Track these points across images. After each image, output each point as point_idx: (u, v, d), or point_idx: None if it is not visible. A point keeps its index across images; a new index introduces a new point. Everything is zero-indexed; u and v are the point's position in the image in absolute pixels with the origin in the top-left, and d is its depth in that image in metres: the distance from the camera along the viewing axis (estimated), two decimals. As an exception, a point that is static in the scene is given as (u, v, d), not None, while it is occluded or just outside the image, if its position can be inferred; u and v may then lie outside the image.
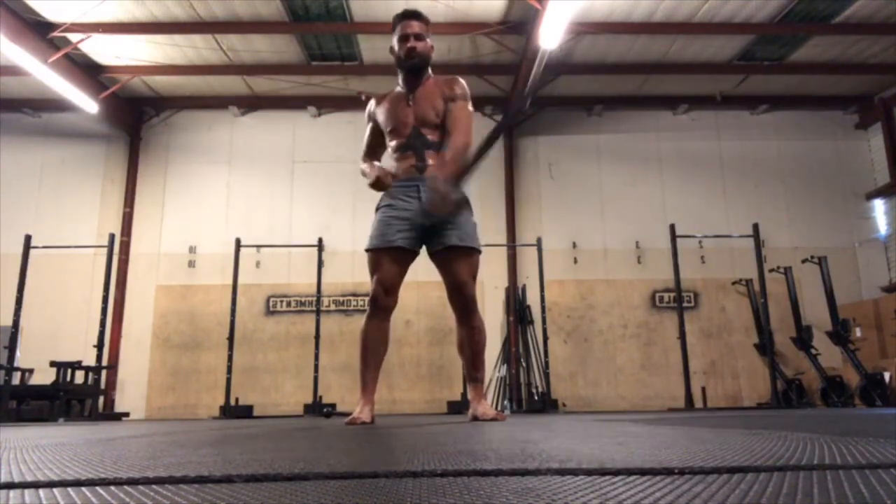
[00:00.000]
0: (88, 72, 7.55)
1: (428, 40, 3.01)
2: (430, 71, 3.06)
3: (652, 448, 1.09)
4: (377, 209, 2.98)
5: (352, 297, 8.13)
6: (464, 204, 2.95)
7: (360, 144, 3.19)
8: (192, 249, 8.28)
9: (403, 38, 2.96)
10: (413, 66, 2.97)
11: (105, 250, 7.02)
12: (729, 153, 8.73)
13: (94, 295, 7.39)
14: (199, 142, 8.68)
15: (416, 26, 2.97)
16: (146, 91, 8.43)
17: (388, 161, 3.05)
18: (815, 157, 8.71)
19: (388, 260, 2.88)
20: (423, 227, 2.87)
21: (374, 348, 2.91)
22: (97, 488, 0.70)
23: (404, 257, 2.91)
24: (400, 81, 3.06)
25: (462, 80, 3.05)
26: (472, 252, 2.93)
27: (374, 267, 2.91)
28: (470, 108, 3.00)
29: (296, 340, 8.01)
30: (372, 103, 3.11)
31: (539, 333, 7.44)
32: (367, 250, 2.94)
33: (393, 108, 2.99)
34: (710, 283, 8.23)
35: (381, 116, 3.04)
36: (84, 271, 8.02)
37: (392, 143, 3.01)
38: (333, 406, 6.78)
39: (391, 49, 3.04)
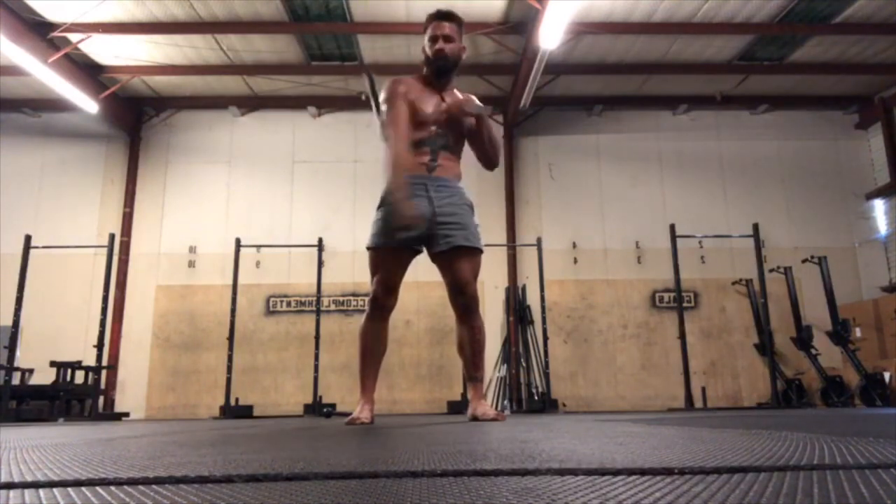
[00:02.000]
0: (88, 72, 7.55)
1: (459, 42, 2.98)
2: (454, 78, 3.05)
3: (652, 448, 1.09)
4: (379, 206, 2.94)
5: (352, 297, 8.13)
6: (466, 199, 2.96)
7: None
8: (192, 249, 8.28)
9: (433, 39, 2.94)
10: (440, 67, 2.94)
11: (105, 250, 7.02)
12: (729, 153, 8.72)
13: (94, 295, 7.39)
14: (199, 142, 8.68)
15: (447, 27, 2.94)
16: (146, 91, 8.43)
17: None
18: (815, 157, 8.71)
19: (390, 259, 2.87)
20: (428, 225, 2.86)
21: (373, 348, 2.91)
22: (97, 488, 0.70)
23: (406, 256, 2.90)
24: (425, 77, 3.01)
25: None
26: (477, 252, 2.93)
27: (376, 266, 2.89)
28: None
29: (296, 340, 8.01)
30: (401, 85, 2.92)
31: (539, 333, 7.44)
32: (368, 248, 2.92)
33: (422, 99, 2.91)
34: (710, 283, 8.23)
35: (411, 98, 2.90)
36: (84, 271, 8.02)
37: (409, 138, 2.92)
38: (333, 406, 6.78)
39: (423, 48, 3.00)
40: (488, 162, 3.10)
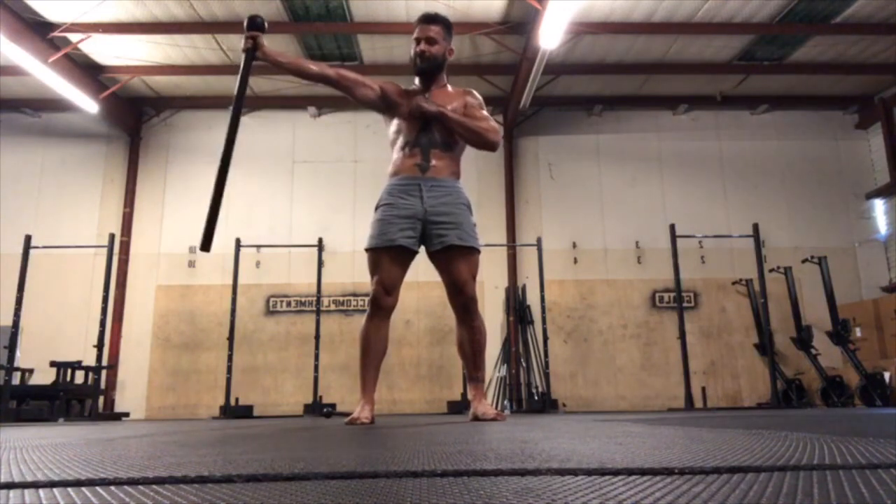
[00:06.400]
0: (88, 72, 7.55)
1: (444, 43, 3.01)
2: (445, 77, 3.09)
3: (652, 448, 1.09)
4: (377, 208, 2.98)
5: (352, 297, 8.13)
6: (463, 198, 2.96)
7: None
8: (192, 249, 8.27)
9: (416, 41, 3.00)
10: (421, 69, 3.00)
11: (105, 250, 7.01)
12: (729, 153, 8.72)
13: (94, 295, 7.39)
14: (199, 142, 8.67)
15: (430, 30, 2.98)
16: (146, 91, 8.43)
17: (393, 157, 3.04)
18: (815, 157, 8.71)
19: (388, 259, 2.88)
20: (423, 225, 2.88)
21: (373, 349, 2.91)
22: (97, 488, 0.70)
23: (405, 257, 2.91)
24: (416, 82, 3.09)
25: (476, 93, 3.11)
26: (472, 251, 2.93)
27: (375, 266, 2.91)
28: (486, 113, 3.02)
29: (296, 340, 8.01)
30: (394, 84, 3.06)
31: (539, 333, 7.44)
32: (367, 250, 2.94)
33: (409, 100, 2.98)
34: (710, 283, 8.23)
35: (395, 100, 3.01)
36: (84, 271, 8.02)
37: (400, 140, 2.99)
38: (333, 406, 6.77)
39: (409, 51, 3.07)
40: (477, 146, 2.98)
